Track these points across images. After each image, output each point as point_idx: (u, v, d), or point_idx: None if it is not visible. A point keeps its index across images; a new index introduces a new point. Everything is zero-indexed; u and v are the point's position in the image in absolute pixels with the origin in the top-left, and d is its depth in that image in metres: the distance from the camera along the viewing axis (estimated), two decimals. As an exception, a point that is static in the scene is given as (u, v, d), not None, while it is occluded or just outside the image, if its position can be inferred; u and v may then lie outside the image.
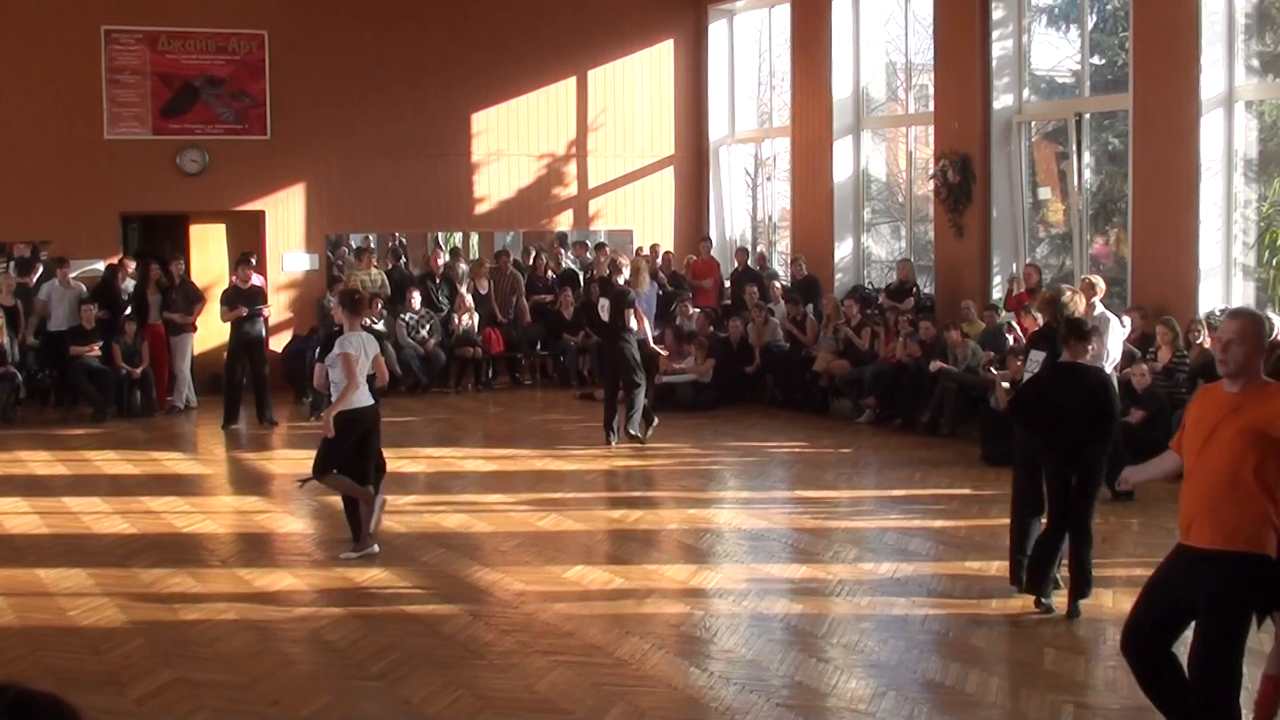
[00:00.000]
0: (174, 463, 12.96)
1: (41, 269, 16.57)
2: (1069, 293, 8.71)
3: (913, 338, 14.48)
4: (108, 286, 16.09)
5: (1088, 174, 14.88)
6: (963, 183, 15.35)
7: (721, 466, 12.85)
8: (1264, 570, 5.01)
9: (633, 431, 13.16)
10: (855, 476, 12.20)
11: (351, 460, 9.00)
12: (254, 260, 16.03)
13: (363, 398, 8.95)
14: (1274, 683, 5.67)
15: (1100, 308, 10.56)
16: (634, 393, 13.13)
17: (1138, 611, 5.33)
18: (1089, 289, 10.61)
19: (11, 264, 16.80)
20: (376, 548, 9.03)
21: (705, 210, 20.03)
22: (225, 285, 15.81)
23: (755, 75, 20.35)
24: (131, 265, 16.40)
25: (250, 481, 12.34)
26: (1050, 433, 7.62)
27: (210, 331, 16.29)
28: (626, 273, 13.58)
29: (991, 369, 12.85)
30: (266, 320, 15.47)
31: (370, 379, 9.08)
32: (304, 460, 10.24)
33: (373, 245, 18.35)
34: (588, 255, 18.86)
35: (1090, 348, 7.93)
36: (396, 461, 11.28)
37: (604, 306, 13.38)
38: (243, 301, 14.91)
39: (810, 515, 10.49)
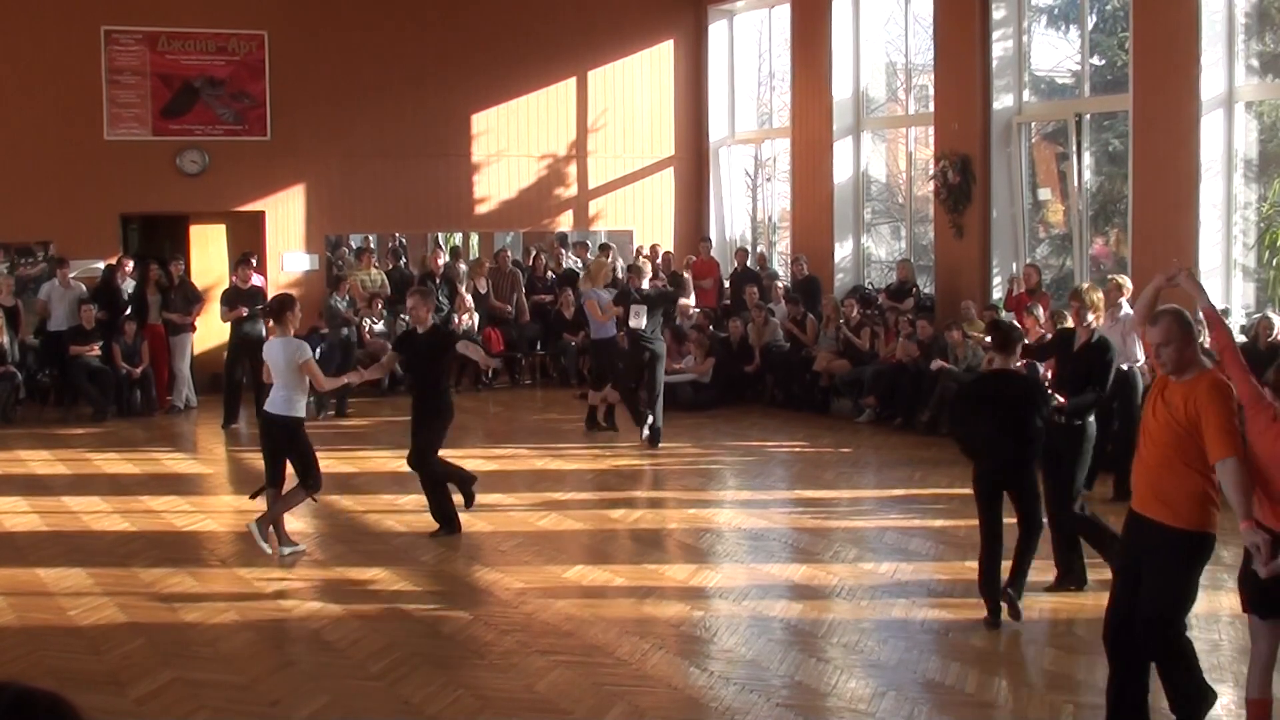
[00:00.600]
0: (174, 462, 12.97)
1: (42, 268, 16.59)
2: (1086, 287, 8.84)
3: (912, 338, 14.48)
4: (107, 286, 16.09)
5: (1088, 174, 14.87)
6: (963, 183, 15.35)
7: (721, 466, 12.84)
8: (1207, 547, 5.39)
9: (656, 425, 13.12)
10: (855, 476, 12.20)
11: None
12: (254, 260, 16.07)
13: (270, 402, 9.18)
14: (1259, 706, 5.63)
15: (1126, 308, 10.56)
16: (656, 395, 13.10)
17: (1113, 591, 5.71)
18: (1116, 290, 10.63)
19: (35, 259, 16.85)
20: (268, 548, 9.02)
21: (705, 211, 20.04)
22: (225, 285, 15.84)
23: (755, 76, 20.35)
24: (129, 265, 16.41)
25: (250, 481, 12.23)
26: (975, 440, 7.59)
27: (210, 331, 16.30)
28: (648, 274, 13.39)
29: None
30: (266, 320, 15.48)
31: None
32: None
33: (373, 245, 18.36)
34: (589, 256, 18.83)
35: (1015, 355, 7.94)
36: (396, 461, 11.27)
37: (638, 311, 13.07)
38: (243, 302, 14.93)
39: (810, 515, 10.49)
